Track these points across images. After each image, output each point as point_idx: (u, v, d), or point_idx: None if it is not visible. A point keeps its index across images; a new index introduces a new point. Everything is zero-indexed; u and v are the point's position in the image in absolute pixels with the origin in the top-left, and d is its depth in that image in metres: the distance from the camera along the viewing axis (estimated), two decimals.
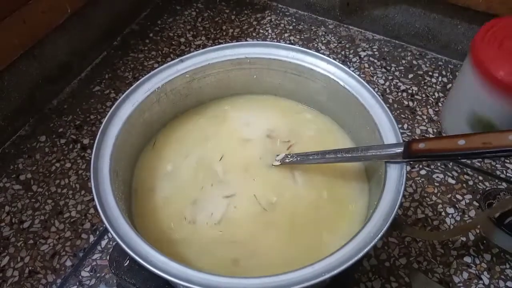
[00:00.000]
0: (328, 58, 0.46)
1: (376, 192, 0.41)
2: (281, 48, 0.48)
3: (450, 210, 0.72)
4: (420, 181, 0.75)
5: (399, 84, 0.87)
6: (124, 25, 0.97)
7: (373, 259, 0.66)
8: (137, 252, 0.33)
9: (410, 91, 0.86)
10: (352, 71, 0.46)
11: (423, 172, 0.76)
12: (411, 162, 0.76)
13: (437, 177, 0.75)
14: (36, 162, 0.74)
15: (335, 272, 0.32)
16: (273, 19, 1.01)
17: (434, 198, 0.73)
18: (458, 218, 0.70)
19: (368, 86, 0.44)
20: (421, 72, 0.90)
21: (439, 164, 0.76)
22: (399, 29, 0.93)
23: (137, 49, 0.94)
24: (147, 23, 0.99)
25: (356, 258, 0.32)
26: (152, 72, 0.46)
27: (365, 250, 0.33)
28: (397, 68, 0.90)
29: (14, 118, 0.76)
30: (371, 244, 0.33)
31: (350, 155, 0.42)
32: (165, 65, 0.46)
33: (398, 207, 0.36)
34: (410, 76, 0.89)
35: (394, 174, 0.38)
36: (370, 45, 0.94)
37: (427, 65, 0.91)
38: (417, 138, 0.78)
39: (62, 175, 0.72)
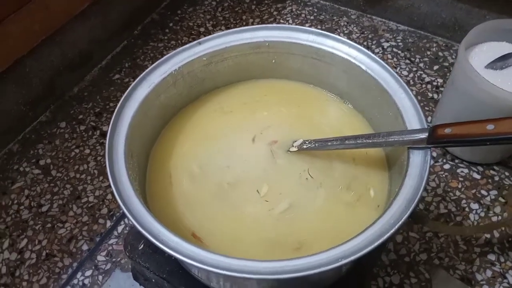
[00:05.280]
0: (350, 42, 0.45)
1: (397, 180, 0.40)
2: (301, 31, 0.47)
3: (474, 206, 0.69)
4: (444, 175, 0.72)
5: (424, 75, 0.85)
6: (144, 14, 0.97)
7: (392, 254, 0.65)
8: (149, 231, 0.32)
9: (435, 83, 0.83)
10: None
11: (447, 166, 0.73)
12: (437, 148, 0.74)
13: (462, 171, 0.73)
14: (56, 147, 0.74)
15: (351, 258, 0.31)
16: (294, 9, 0.99)
17: (457, 193, 0.71)
18: (482, 214, 0.68)
19: (392, 70, 0.42)
20: (447, 64, 0.87)
21: (463, 159, 0.73)
22: (425, 19, 0.90)
23: (157, 39, 0.94)
24: (167, 12, 0.99)
25: (375, 245, 0.31)
26: (169, 54, 0.45)
27: (385, 237, 0.31)
28: (421, 60, 0.88)
29: (35, 104, 0.77)
30: (391, 231, 0.32)
31: (371, 141, 0.40)
32: (182, 47, 0.46)
33: (421, 193, 0.34)
34: (435, 67, 0.86)
35: (418, 160, 0.37)
36: (394, 35, 0.92)
37: (453, 57, 0.88)
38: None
39: (81, 161, 0.72)
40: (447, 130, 0.36)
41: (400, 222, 0.32)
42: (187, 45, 0.46)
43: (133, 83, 0.42)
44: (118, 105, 0.40)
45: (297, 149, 0.45)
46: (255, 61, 0.49)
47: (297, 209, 0.42)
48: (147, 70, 0.43)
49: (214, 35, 0.47)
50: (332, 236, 0.39)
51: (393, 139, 0.39)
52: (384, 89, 0.42)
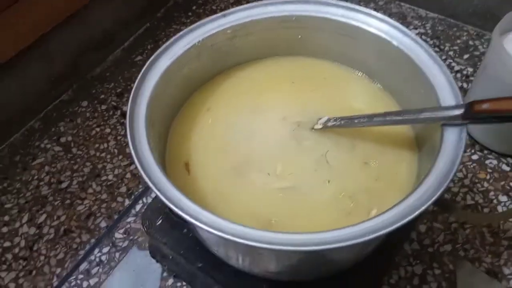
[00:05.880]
0: (382, 16, 0.43)
1: (427, 161, 0.38)
2: (330, 5, 0.45)
3: (503, 198, 0.66)
4: (472, 166, 0.70)
5: (453, 64, 0.82)
6: None
7: (415, 244, 0.62)
8: (169, 198, 0.31)
9: (464, 72, 0.81)
10: None
11: (475, 157, 0.71)
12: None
13: (490, 163, 0.70)
14: (77, 126, 0.75)
15: (373, 236, 0.29)
16: None
17: (485, 184, 0.68)
18: (511, 207, 0.65)
19: (425, 45, 0.40)
20: (478, 53, 0.84)
21: (493, 149, 0.70)
22: (456, 6, 0.87)
23: (179, 22, 0.93)
24: None
25: (414, 215, 0.29)
26: (192, 26, 0.44)
27: (422, 209, 0.29)
28: (451, 48, 0.84)
29: (58, 82, 0.77)
30: (423, 208, 0.30)
31: (401, 117, 0.38)
32: (206, 19, 0.44)
33: (455, 171, 0.32)
34: (466, 56, 0.83)
35: (452, 138, 0.34)
36: (423, 23, 0.89)
37: (485, 46, 0.85)
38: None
39: (102, 140, 0.72)
40: (485, 106, 0.33)
41: (435, 197, 0.30)
42: (211, 17, 0.45)
43: (156, 53, 0.41)
44: (140, 74, 0.39)
45: (321, 126, 0.44)
46: (281, 36, 0.48)
47: (297, 192, 0.41)
48: (170, 41, 0.42)
49: (239, 7, 0.45)
50: (305, 225, 0.38)
51: (425, 116, 0.37)
52: (416, 65, 0.40)
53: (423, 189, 0.31)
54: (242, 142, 0.44)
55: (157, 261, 0.53)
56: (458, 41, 0.86)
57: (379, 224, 0.30)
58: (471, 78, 0.79)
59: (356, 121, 0.41)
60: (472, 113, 0.34)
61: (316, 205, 0.40)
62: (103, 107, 0.78)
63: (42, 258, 0.60)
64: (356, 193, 0.41)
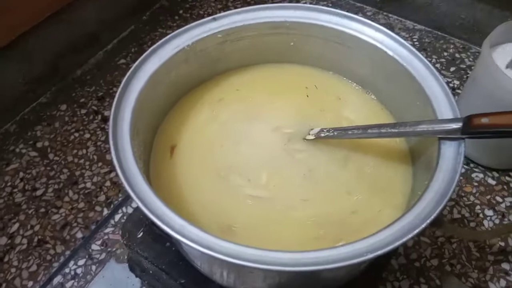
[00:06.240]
0: (377, 25, 0.42)
1: (423, 175, 0.37)
2: (323, 12, 0.44)
3: (489, 212, 0.66)
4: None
5: None
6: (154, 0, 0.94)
7: (402, 258, 0.61)
8: (153, 212, 0.29)
9: (451, 85, 0.81)
10: None
11: (461, 170, 0.70)
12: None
13: (476, 176, 0.70)
14: (55, 130, 0.71)
15: (383, 251, 0.27)
16: (308, 4, 0.96)
17: (472, 198, 0.67)
18: (497, 221, 0.65)
19: (421, 56, 0.39)
20: (464, 66, 0.84)
21: (479, 163, 0.70)
22: (443, 19, 0.87)
23: (165, 25, 0.91)
24: None
25: (410, 236, 0.28)
26: (182, 29, 0.42)
27: (419, 229, 0.28)
28: (438, 60, 0.85)
29: (36, 84, 0.74)
30: (425, 223, 0.28)
31: (396, 130, 0.37)
32: (196, 22, 0.43)
33: (454, 187, 0.31)
34: (452, 69, 0.83)
35: (450, 152, 0.33)
36: (410, 34, 0.89)
37: (471, 59, 0.85)
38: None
39: (80, 145, 0.69)
40: (484, 120, 0.32)
41: (432, 217, 0.29)
42: (201, 21, 0.43)
43: (142, 56, 0.39)
44: (125, 77, 0.37)
45: (314, 137, 0.42)
46: (273, 43, 0.46)
47: (271, 205, 0.39)
48: (157, 44, 0.40)
49: (231, 11, 0.44)
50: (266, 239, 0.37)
51: (421, 129, 0.35)
52: (412, 76, 0.39)
53: (421, 206, 0.30)
54: (232, 145, 0.42)
55: (136, 276, 0.50)
56: (445, 53, 0.86)
57: (376, 244, 0.28)
58: (458, 91, 0.79)
59: (349, 132, 0.40)
60: (471, 127, 0.33)
61: (287, 222, 0.38)
62: (83, 111, 0.75)
63: (13, 270, 0.56)
64: (331, 219, 0.38)
